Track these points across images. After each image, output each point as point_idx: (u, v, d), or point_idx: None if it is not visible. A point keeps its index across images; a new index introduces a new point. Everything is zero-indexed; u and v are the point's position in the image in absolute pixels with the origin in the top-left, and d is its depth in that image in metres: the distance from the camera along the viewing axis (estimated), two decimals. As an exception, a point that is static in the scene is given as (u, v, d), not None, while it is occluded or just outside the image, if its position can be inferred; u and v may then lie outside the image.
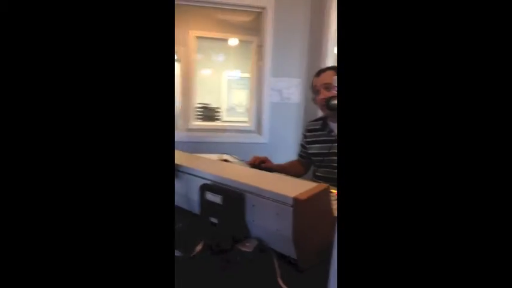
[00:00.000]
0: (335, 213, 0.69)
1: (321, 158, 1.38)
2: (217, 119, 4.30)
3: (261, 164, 1.37)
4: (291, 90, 2.47)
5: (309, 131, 1.50)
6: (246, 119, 3.57)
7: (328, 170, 1.38)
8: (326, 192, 0.66)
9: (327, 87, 1.29)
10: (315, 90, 1.36)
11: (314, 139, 1.45)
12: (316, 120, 1.50)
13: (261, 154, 1.64)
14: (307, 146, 1.48)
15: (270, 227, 0.64)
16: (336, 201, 0.89)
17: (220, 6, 2.35)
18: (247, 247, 0.64)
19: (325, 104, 1.28)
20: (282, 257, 0.65)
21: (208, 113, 4.19)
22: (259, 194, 0.65)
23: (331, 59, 2.33)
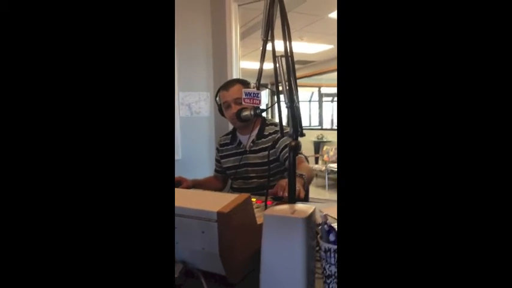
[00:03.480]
0: (259, 221, 0.70)
1: (234, 171, 1.40)
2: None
3: (176, 185, 1.32)
4: (200, 104, 2.46)
5: (221, 145, 1.52)
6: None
7: (242, 181, 1.41)
8: (248, 202, 0.67)
9: (238, 101, 1.32)
10: (225, 105, 1.37)
11: (226, 153, 1.47)
12: (227, 134, 1.53)
13: (177, 171, 1.57)
14: (221, 160, 1.49)
15: (195, 247, 0.61)
16: (257, 209, 0.92)
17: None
18: (173, 273, 0.60)
19: (236, 117, 1.31)
20: (210, 275, 0.63)
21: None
22: (180, 214, 0.62)
23: (235, 71, 2.41)
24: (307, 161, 1.43)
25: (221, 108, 1.42)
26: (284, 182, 0.91)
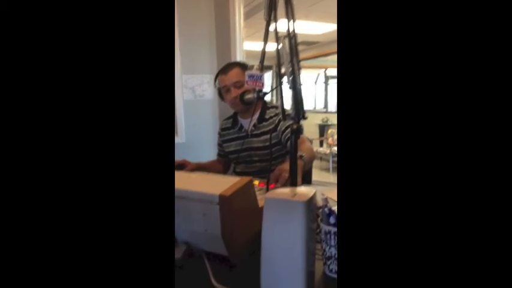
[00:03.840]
0: (260, 204, 0.71)
1: (237, 155, 1.40)
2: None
3: (179, 168, 1.32)
4: (204, 87, 2.43)
5: (223, 129, 1.51)
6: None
7: (245, 165, 1.42)
8: (250, 185, 0.67)
9: (237, 85, 1.30)
10: (225, 89, 1.35)
11: (228, 137, 1.47)
12: (228, 118, 1.52)
13: (180, 155, 1.58)
14: (224, 144, 1.50)
15: (198, 229, 0.63)
16: (259, 192, 0.92)
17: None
18: (176, 253, 0.61)
19: (240, 100, 1.29)
20: (212, 256, 0.64)
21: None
22: (182, 196, 0.62)
23: (239, 53, 2.37)
24: (310, 142, 1.42)
25: (221, 93, 1.40)
26: (278, 171, 0.89)
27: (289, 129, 1.25)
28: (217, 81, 1.39)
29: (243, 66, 1.34)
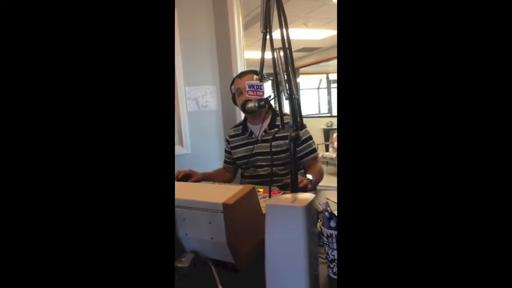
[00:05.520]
0: (264, 211, 0.72)
1: (246, 160, 1.43)
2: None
3: (186, 178, 1.36)
4: (207, 98, 2.47)
5: (232, 136, 1.55)
6: (165, 132, 3.45)
7: (253, 169, 1.46)
8: (253, 193, 0.69)
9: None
10: (238, 91, 1.43)
11: (237, 144, 1.52)
12: (237, 125, 1.58)
13: (187, 165, 1.61)
14: (232, 151, 1.53)
15: (204, 237, 0.65)
16: (263, 199, 0.94)
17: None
18: (184, 262, 0.63)
19: (241, 109, 1.34)
20: (219, 263, 0.66)
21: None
22: (188, 206, 0.65)
23: (240, 62, 2.41)
24: (317, 147, 1.49)
25: (234, 97, 1.49)
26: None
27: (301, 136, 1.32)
28: (233, 86, 1.49)
29: (257, 74, 1.41)
